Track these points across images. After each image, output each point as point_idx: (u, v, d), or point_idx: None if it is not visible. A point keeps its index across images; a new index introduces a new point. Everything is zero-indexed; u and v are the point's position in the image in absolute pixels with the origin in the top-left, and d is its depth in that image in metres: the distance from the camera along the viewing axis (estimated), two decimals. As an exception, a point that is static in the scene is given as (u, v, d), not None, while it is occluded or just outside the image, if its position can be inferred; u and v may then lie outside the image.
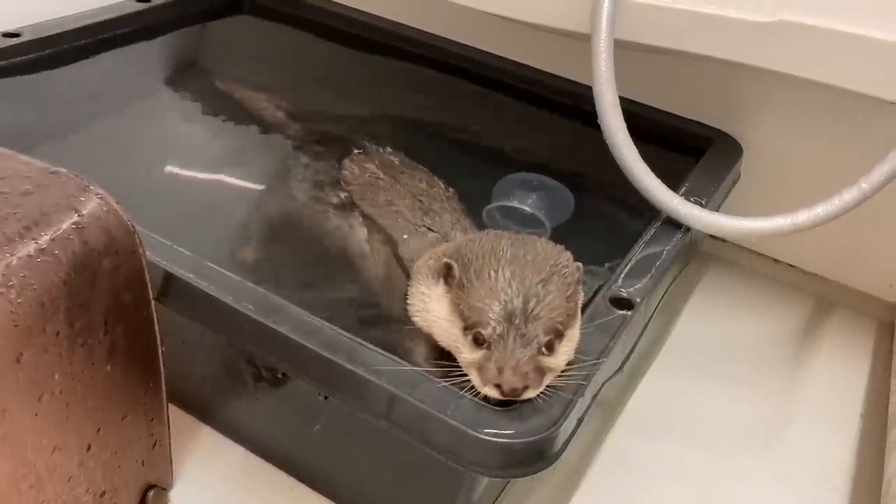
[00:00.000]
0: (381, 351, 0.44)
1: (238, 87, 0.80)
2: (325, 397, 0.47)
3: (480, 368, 0.43)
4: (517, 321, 0.43)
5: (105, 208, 0.42)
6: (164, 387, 0.49)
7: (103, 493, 0.47)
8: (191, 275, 0.48)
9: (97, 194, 0.42)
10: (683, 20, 0.58)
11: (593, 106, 0.58)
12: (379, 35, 0.87)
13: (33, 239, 0.39)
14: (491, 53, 0.82)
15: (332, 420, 0.49)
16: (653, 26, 0.58)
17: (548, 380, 0.43)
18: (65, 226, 0.41)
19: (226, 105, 0.78)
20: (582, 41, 0.59)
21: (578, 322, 0.46)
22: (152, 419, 0.50)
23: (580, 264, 0.48)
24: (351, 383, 0.43)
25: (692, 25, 0.58)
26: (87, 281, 0.41)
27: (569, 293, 0.45)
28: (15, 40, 0.70)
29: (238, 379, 0.53)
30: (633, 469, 0.60)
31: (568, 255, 0.48)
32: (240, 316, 0.46)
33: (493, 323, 0.43)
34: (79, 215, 0.41)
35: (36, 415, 0.40)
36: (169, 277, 0.48)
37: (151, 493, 0.52)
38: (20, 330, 0.38)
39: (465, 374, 0.44)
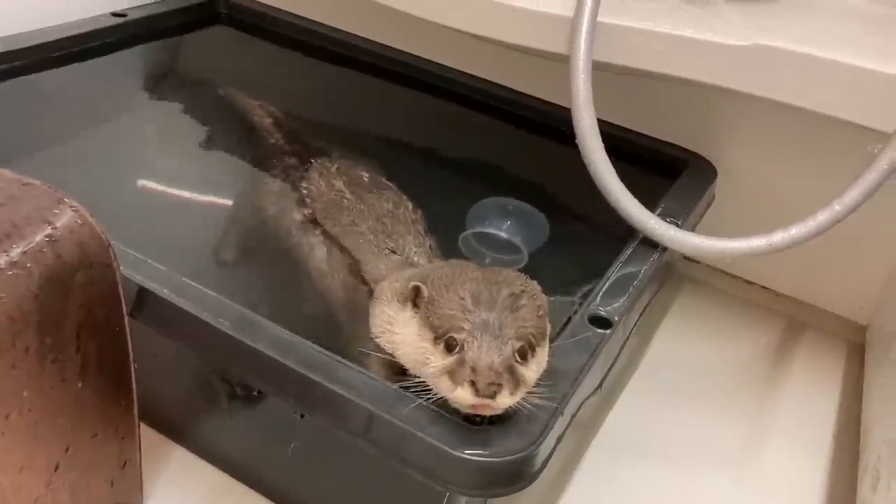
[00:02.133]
0: (359, 369, 0.43)
1: (233, 91, 0.79)
2: (302, 416, 0.46)
3: (452, 372, 0.41)
4: (491, 324, 0.42)
5: (79, 221, 0.42)
6: (136, 405, 0.48)
7: (71, 514, 0.46)
8: (165, 290, 0.47)
9: (71, 207, 0.42)
10: (661, 43, 0.59)
11: (571, 127, 0.58)
12: (357, 53, 0.87)
13: (4, 251, 0.38)
14: (469, 74, 0.82)
15: (308, 439, 0.48)
16: (630, 48, 0.59)
17: (521, 392, 0.42)
18: (37, 238, 0.40)
19: (201, 116, 0.77)
20: (560, 63, 0.59)
21: (547, 347, 0.46)
22: (123, 438, 0.49)
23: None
24: (328, 401, 0.43)
25: (669, 48, 0.59)
26: (59, 295, 0.40)
27: (539, 313, 0.45)
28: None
29: (212, 397, 0.52)
30: (607, 489, 0.59)
31: (536, 284, 0.47)
32: (215, 332, 0.45)
33: (466, 326, 0.42)
34: (52, 228, 0.40)
35: (2, 433, 0.39)
36: (143, 292, 0.47)
37: (120, 513, 0.51)
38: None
39: (429, 390, 0.42)
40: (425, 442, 0.40)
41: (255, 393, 0.48)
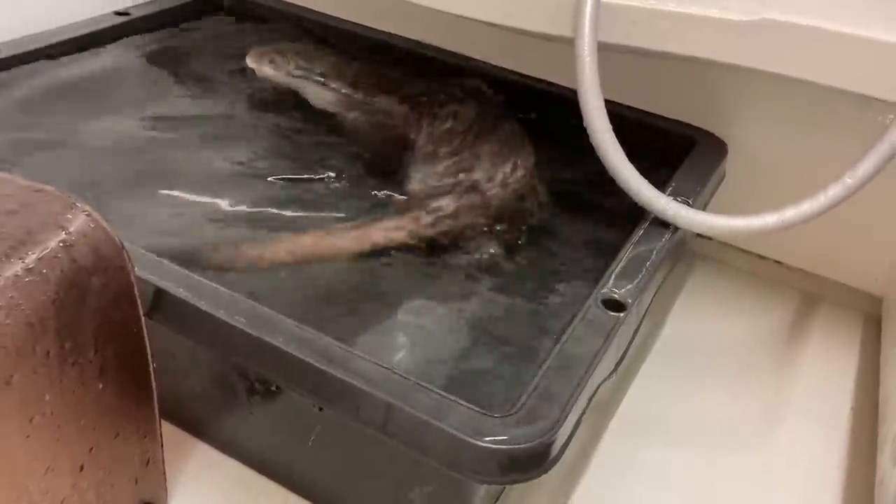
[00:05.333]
0: (376, 361, 0.43)
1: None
2: (321, 409, 0.46)
3: None
4: None
5: (92, 225, 0.42)
6: (156, 404, 0.49)
7: (98, 513, 0.47)
8: (180, 289, 0.47)
9: (84, 211, 0.42)
10: (665, 21, 0.58)
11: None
12: (356, 40, 0.87)
13: (20, 258, 0.39)
14: (473, 58, 0.82)
15: (327, 431, 0.49)
16: (635, 28, 0.58)
17: None
18: (52, 244, 0.40)
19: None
20: (565, 45, 0.59)
21: None
22: (145, 437, 0.49)
23: None
24: (346, 394, 0.43)
25: (675, 26, 0.58)
26: (76, 299, 0.41)
27: None
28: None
29: (230, 393, 0.52)
30: (627, 469, 0.60)
31: None
32: (231, 329, 0.45)
33: None
34: (66, 233, 0.41)
35: (28, 437, 0.40)
36: (158, 293, 0.47)
37: (145, 510, 0.51)
38: (10, 352, 0.37)
39: None
40: (444, 431, 0.41)
41: (273, 388, 0.49)
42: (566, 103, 0.63)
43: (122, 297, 0.44)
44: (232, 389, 0.52)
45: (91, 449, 0.45)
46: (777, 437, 0.63)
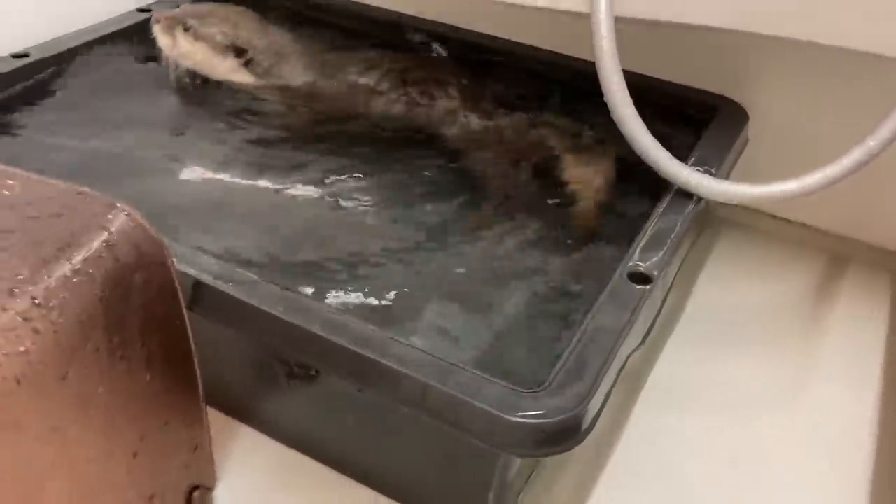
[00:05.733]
0: (411, 344, 0.45)
1: None
2: (360, 390, 0.48)
3: None
4: None
5: (132, 224, 0.44)
6: (201, 391, 0.51)
7: (152, 497, 0.49)
8: (219, 281, 0.49)
9: (124, 211, 0.44)
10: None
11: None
12: (362, 23, 0.88)
13: (68, 259, 0.40)
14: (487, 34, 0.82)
15: (367, 411, 0.51)
16: (653, 1, 0.59)
17: None
18: (96, 245, 0.42)
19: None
20: (581, 19, 0.59)
21: None
22: (192, 423, 0.51)
23: None
24: (383, 376, 0.44)
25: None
26: (121, 296, 0.43)
27: None
28: (25, 60, 0.72)
29: (271, 378, 0.54)
30: (659, 438, 0.61)
31: None
32: (270, 318, 0.47)
33: None
34: (108, 233, 0.43)
35: (84, 428, 0.42)
36: (198, 285, 0.49)
37: (196, 493, 0.53)
38: (64, 349, 0.39)
39: None
40: (478, 408, 0.42)
41: (312, 372, 0.51)
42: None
43: (165, 291, 0.46)
44: (272, 375, 0.54)
45: (142, 437, 0.47)
46: (808, 400, 0.64)
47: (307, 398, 0.54)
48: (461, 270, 0.59)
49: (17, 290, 0.38)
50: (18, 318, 0.37)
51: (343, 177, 0.66)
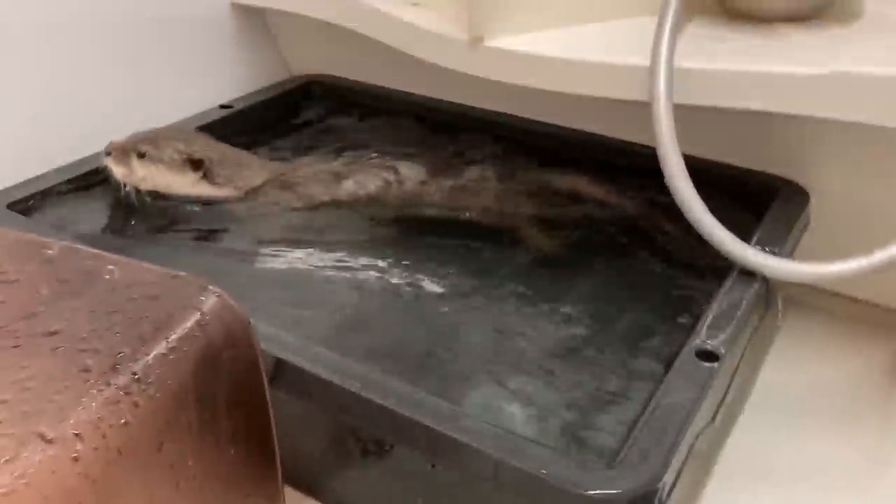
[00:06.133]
0: (485, 420, 0.46)
1: None
2: (433, 466, 0.49)
3: None
4: None
5: (223, 305, 0.47)
6: (279, 466, 0.53)
7: (232, 570, 0.50)
8: (298, 359, 0.51)
9: (215, 293, 0.47)
10: (740, 80, 0.61)
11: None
12: (435, 114, 0.92)
13: (164, 338, 0.43)
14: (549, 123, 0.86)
15: (438, 490, 0.52)
16: (710, 89, 0.61)
17: None
18: (190, 324, 0.45)
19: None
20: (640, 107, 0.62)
21: None
22: (271, 497, 0.53)
23: None
24: (457, 451, 0.46)
25: (749, 85, 0.61)
26: (211, 372, 0.45)
27: None
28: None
29: (344, 454, 0.56)
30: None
31: None
32: (347, 394, 0.49)
33: None
34: (201, 314, 0.45)
35: (175, 500, 0.44)
36: (280, 363, 0.51)
37: (272, 567, 0.55)
38: (160, 422, 0.42)
39: None
40: (551, 484, 0.43)
41: (386, 448, 0.52)
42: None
43: (250, 368, 0.48)
44: (346, 450, 0.56)
45: (230, 496, 0.49)
46: (884, 481, 0.63)
47: (380, 474, 0.55)
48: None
49: (119, 367, 0.41)
50: (121, 393, 0.40)
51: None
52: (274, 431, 0.52)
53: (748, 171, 0.76)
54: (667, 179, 0.60)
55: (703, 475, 0.64)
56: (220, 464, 0.48)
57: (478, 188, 0.77)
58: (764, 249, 0.61)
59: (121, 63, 0.83)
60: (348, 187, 0.77)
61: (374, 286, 0.67)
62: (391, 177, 0.78)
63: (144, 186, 0.74)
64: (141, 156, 0.73)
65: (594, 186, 0.78)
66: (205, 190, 0.75)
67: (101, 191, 0.76)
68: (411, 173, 0.78)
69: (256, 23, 0.97)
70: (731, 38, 0.67)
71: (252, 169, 0.77)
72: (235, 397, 0.48)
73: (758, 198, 0.72)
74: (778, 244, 0.63)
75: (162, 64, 0.87)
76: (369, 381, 0.50)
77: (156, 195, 0.75)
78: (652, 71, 0.60)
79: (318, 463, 0.60)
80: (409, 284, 0.67)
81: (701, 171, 0.62)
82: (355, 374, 0.50)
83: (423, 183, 0.78)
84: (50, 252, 0.51)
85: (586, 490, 0.42)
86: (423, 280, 0.67)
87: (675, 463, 0.45)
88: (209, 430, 0.46)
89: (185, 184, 0.75)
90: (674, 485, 0.45)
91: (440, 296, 0.66)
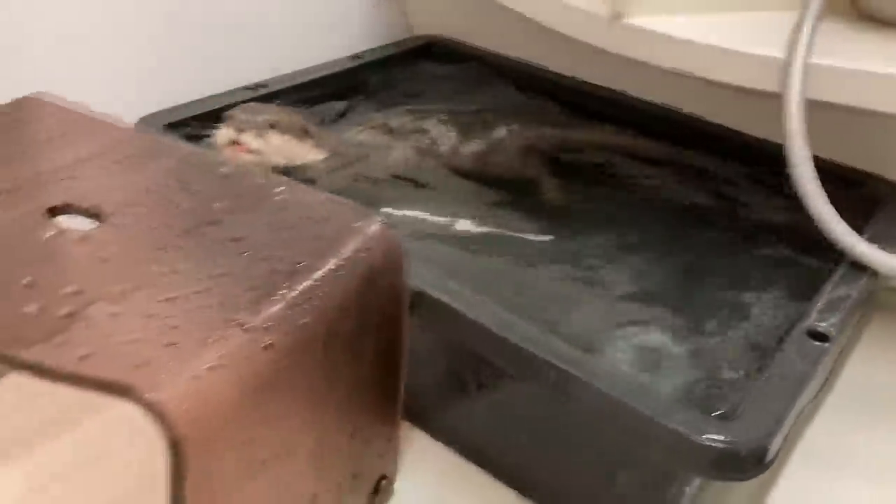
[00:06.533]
0: (610, 365, 0.50)
1: None
2: (552, 404, 0.53)
3: None
4: None
5: (383, 232, 0.51)
6: (402, 390, 0.58)
7: (355, 476, 0.55)
8: (437, 291, 0.56)
9: (377, 219, 0.51)
10: (871, 81, 0.63)
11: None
12: (557, 89, 0.96)
13: (336, 254, 0.48)
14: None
15: (548, 429, 0.56)
16: (842, 87, 0.63)
17: None
18: (357, 244, 0.49)
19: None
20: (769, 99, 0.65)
21: None
22: (391, 417, 0.58)
23: None
24: (579, 392, 0.50)
25: (878, 85, 0.63)
26: (369, 292, 0.50)
27: None
28: (263, 90, 0.83)
29: (458, 387, 0.60)
30: (810, 497, 0.63)
31: None
32: (482, 329, 0.54)
33: None
34: (365, 237, 0.50)
35: (329, 399, 0.49)
36: (418, 294, 0.56)
37: (383, 482, 0.60)
38: (327, 328, 0.46)
39: None
40: (669, 429, 0.47)
41: (502, 385, 0.56)
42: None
43: (398, 293, 0.53)
44: (460, 384, 0.60)
45: (358, 420, 0.54)
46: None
47: (491, 409, 0.59)
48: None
49: (300, 274, 0.46)
50: (303, 296, 0.45)
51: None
52: (405, 358, 0.56)
53: (861, 173, 0.78)
54: (791, 169, 0.63)
55: (783, 458, 0.67)
56: (361, 378, 0.53)
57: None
58: (876, 245, 0.63)
59: (253, 10, 0.88)
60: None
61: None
62: (424, 141, 0.82)
63: (275, 159, 0.74)
64: (272, 126, 0.73)
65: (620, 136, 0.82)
66: (315, 156, 0.78)
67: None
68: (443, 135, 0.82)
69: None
70: (864, 39, 0.69)
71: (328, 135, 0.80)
72: (383, 318, 0.52)
73: (869, 199, 0.74)
74: (888, 242, 0.66)
75: (298, 9, 0.91)
76: (501, 318, 0.54)
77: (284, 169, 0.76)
78: (788, 63, 0.62)
79: (430, 396, 0.64)
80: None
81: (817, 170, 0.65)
82: (489, 312, 0.54)
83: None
84: (224, 169, 0.56)
85: (702, 436, 0.46)
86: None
87: (786, 427, 0.48)
88: (359, 344, 0.51)
89: (303, 152, 0.76)
90: (783, 444, 0.48)
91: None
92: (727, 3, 0.70)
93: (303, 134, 0.76)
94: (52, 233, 0.47)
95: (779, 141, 0.64)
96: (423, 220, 0.75)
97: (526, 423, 0.58)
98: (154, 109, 0.76)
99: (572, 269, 0.69)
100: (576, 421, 0.53)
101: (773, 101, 0.64)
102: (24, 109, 0.60)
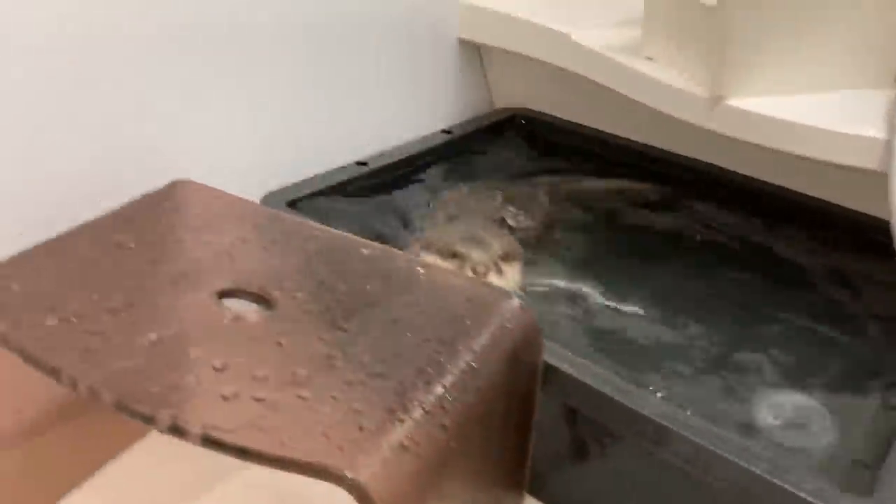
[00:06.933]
0: (730, 434, 0.53)
1: None
2: (672, 470, 0.56)
3: None
4: None
5: (522, 311, 0.55)
6: (530, 457, 0.60)
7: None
8: (565, 365, 0.59)
9: (517, 301, 0.55)
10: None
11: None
12: (642, 160, 1.00)
13: (485, 333, 0.52)
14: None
15: (668, 494, 0.58)
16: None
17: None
18: (500, 324, 0.53)
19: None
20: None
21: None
22: (518, 483, 0.61)
23: None
24: (714, 462, 0.52)
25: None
26: (514, 369, 0.53)
27: None
28: (364, 169, 0.88)
29: (578, 455, 0.63)
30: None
31: None
32: (610, 401, 0.56)
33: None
34: (505, 315, 0.54)
35: (483, 479, 0.52)
36: (549, 368, 0.59)
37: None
38: (486, 409, 0.50)
39: None
40: (800, 497, 0.49)
41: (623, 455, 0.59)
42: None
43: (534, 369, 0.56)
44: (581, 451, 0.63)
45: (498, 491, 0.57)
46: None
47: (610, 476, 0.62)
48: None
49: (458, 356, 0.49)
50: (466, 376, 0.48)
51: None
52: (532, 427, 0.59)
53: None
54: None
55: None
56: (504, 450, 0.56)
57: None
58: None
59: (357, 85, 0.93)
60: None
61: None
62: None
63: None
64: (503, 259, 0.71)
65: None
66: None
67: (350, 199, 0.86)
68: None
69: (473, 56, 1.06)
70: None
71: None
72: (521, 394, 0.56)
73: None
74: None
75: (394, 88, 0.97)
76: (622, 389, 0.56)
77: None
78: (891, 144, 0.65)
79: (546, 462, 0.67)
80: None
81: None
82: (612, 383, 0.57)
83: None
84: (366, 251, 0.60)
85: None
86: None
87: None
88: (506, 419, 0.54)
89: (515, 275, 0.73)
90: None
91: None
92: (821, 83, 0.73)
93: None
94: (230, 317, 0.51)
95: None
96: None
97: (637, 489, 0.60)
98: (259, 184, 0.81)
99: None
100: (702, 493, 0.55)
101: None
102: (176, 194, 0.65)
